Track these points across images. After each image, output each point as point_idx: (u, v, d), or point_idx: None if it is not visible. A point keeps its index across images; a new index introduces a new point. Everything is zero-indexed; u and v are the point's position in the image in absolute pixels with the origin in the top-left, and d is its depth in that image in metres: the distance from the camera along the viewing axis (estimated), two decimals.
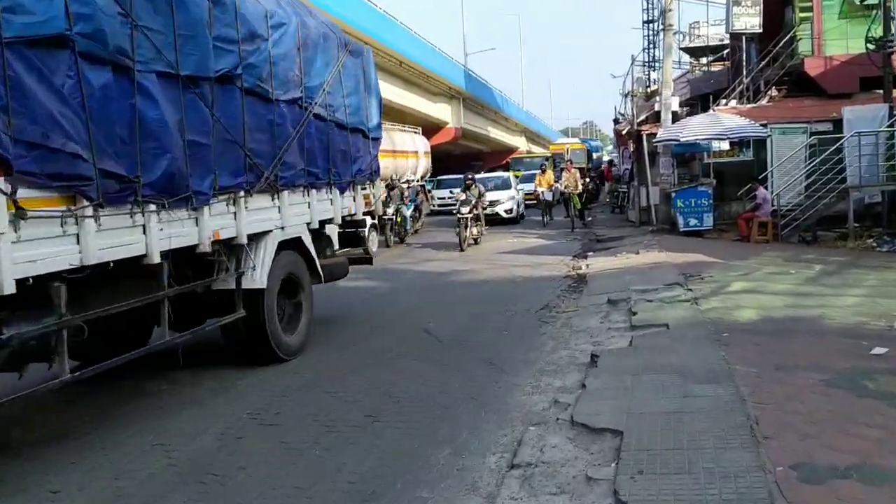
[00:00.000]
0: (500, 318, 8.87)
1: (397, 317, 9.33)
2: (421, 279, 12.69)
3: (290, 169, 7.20)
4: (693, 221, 15.78)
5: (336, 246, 8.95)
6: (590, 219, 23.30)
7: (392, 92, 36.52)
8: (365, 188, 9.43)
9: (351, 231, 9.50)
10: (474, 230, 17.41)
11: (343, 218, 8.69)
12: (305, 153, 7.47)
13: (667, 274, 10.51)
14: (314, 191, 7.81)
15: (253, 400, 6.01)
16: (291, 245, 7.43)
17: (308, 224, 7.74)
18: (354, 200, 9.01)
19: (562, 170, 24.01)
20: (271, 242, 6.96)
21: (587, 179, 32.08)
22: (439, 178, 35.55)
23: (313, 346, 7.71)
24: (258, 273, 6.76)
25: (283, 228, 7.18)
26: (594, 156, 48.64)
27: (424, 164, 27.86)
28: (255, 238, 6.77)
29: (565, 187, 21.35)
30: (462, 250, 16.20)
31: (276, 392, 6.21)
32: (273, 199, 7.03)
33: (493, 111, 53.23)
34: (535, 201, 25.63)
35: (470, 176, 19.07)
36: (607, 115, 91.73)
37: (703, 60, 34.99)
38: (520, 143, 65.18)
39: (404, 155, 25.69)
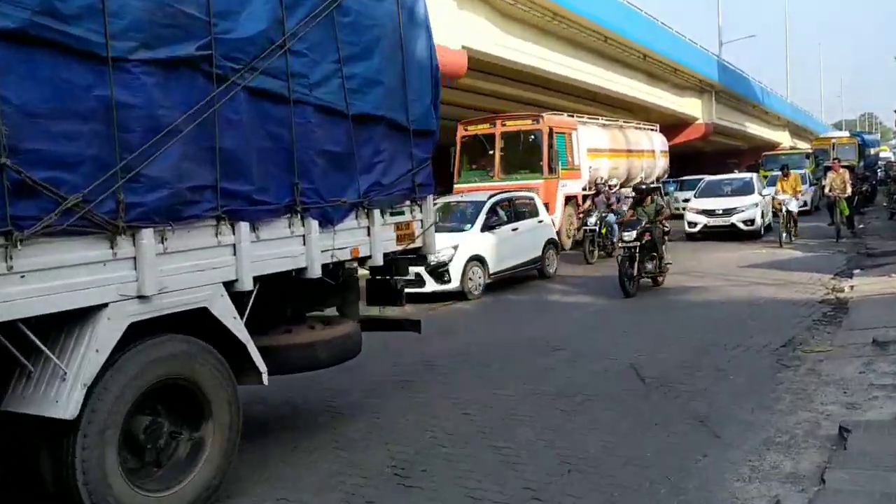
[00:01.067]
0: (727, 355, 7.22)
1: (602, 344, 8.01)
2: (638, 297, 11.17)
3: (155, 188, 3.87)
4: None
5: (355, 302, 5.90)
6: (860, 226, 19.92)
7: (634, 87, 34.58)
8: (402, 212, 5.90)
9: (381, 280, 6.26)
10: (649, 265, 11.42)
11: (341, 263, 5.34)
12: (215, 158, 4.21)
13: None
14: (243, 224, 4.42)
15: (397, 449, 5.11)
16: (183, 324, 4.10)
17: (234, 282, 4.39)
18: (370, 234, 5.48)
19: (826, 168, 20.78)
20: (105, 325, 3.64)
21: (860, 180, 27.93)
22: (683, 178, 32.88)
23: (487, 376, 6.71)
24: (64, 390, 3.49)
25: (141, 298, 3.82)
26: (870, 151, 42.34)
27: (662, 164, 25.27)
28: (62, 319, 3.57)
29: (830, 189, 18.25)
30: (629, 295, 10.84)
31: (425, 441, 5.26)
32: (111, 245, 3.70)
33: (751, 104, 48.80)
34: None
35: (645, 184, 14.90)
36: (890, 106, 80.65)
37: None
38: (782, 138, 59.36)
39: (638, 154, 23.36)
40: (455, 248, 11.54)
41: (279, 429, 5.71)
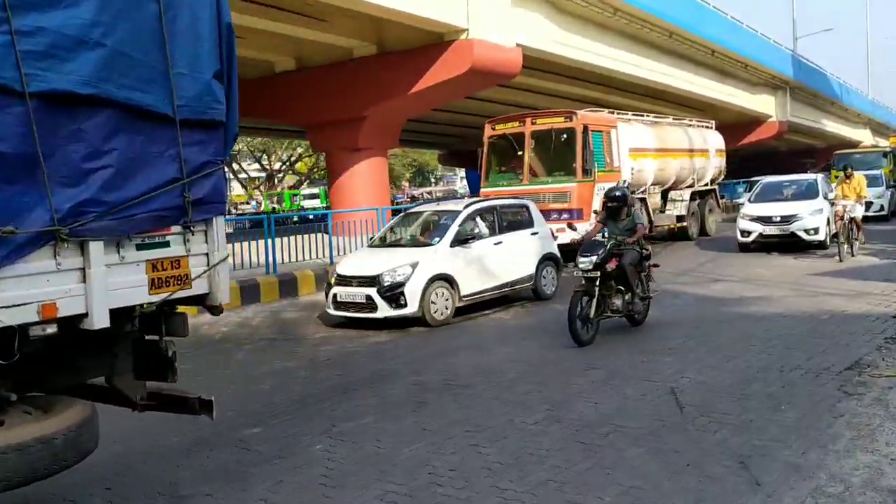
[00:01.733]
0: (782, 379, 6.42)
1: (644, 362, 7.30)
2: (693, 306, 10.35)
3: None
4: None
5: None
6: None
7: (702, 84, 33.27)
8: (163, 243, 3.98)
9: (148, 342, 4.24)
10: (616, 302, 8.56)
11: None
12: None
13: None
14: None
15: (389, 487, 4.55)
16: None
17: None
18: (85, 279, 3.57)
19: None
20: None
21: None
22: (754, 179, 31.14)
23: (511, 399, 6.11)
24: None
25: None
26: None
27: (717, 164, 22.97)
28: None
29: None
30: (582, 343, 8.07)
31: (423, 478, 4.69)
32: None
33: (829, 101, 46.63)
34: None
35: (619, 191, 9.35)
36: None
37: None
38: (863, 136, 56.61)
39: (689, 154, 21.04)
40: (414, 266, 9.95)
41: (272, 458, 5.24)
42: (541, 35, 21.77)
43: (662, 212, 20.11)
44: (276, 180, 58.67)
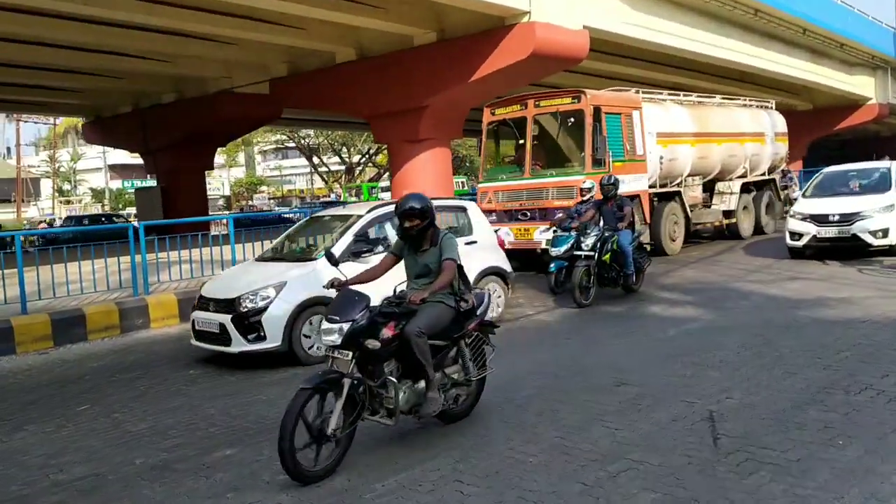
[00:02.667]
0: (845, 403, 5.36)
1: (686, 377, 6.33)
2: (763, 308, 9.22)
3: None
4: None
5: None
6: None
7: (792, 65, 31.15)
8: None
9: None
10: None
11: None
12: None
13: None
14: None
15: None
16: None
17: None
18: None
19: None
20: None
21: None
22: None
23: (522, 422, 5.28)
24: None
25: None
26: None
27: (775, 150, 19.78)
28: None
29: None
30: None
31: None
32: None
33: None
34: None
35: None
36: None
37: None
38: None
39: (739, 138, 18.10)
40: (279, 287, 7.72)
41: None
42: (610, 16, 20.54)
43: (708, 206, 17.64)
44: (355, 173, 58.85)
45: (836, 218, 12.68)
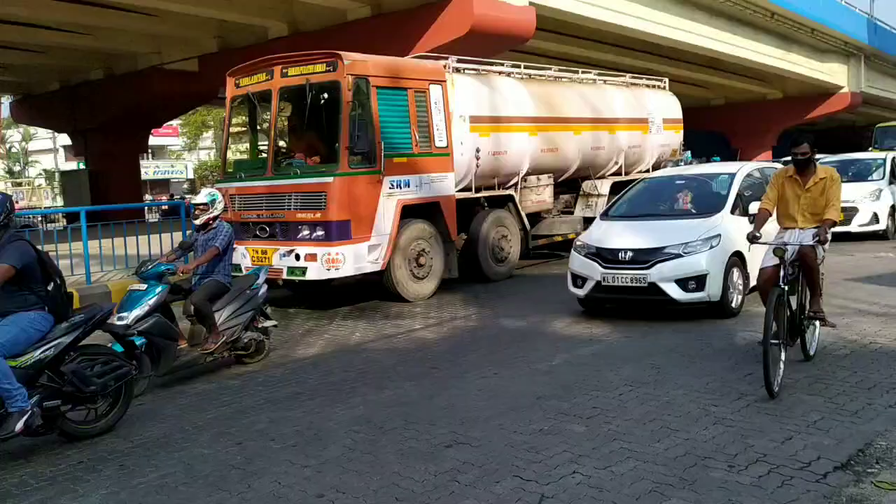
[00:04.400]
0: (720, 483, 4.01)
1: (547, 430, 4.95)
2: (676, 328, 7.86)
3: None
4: None
5: None
6: None
7: (761, 51, 29.87)
8: None
9: None
10: None
11: None
12: None
13: None
14: None
15: None
16: None
17: None
18: None
19: None
20: None
21: None
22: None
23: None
24: None
25: None
26: None
27: (665, 141, 15.88)
28: None
29: None
30: None
31: None
32: None
33: None
34: None
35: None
36: None
37: None
38: None
39: (609, 126, 14.13)
40: None
41: None
42: None
43: (569, 212, 13.79)
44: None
45: (629, 256, 8.08)
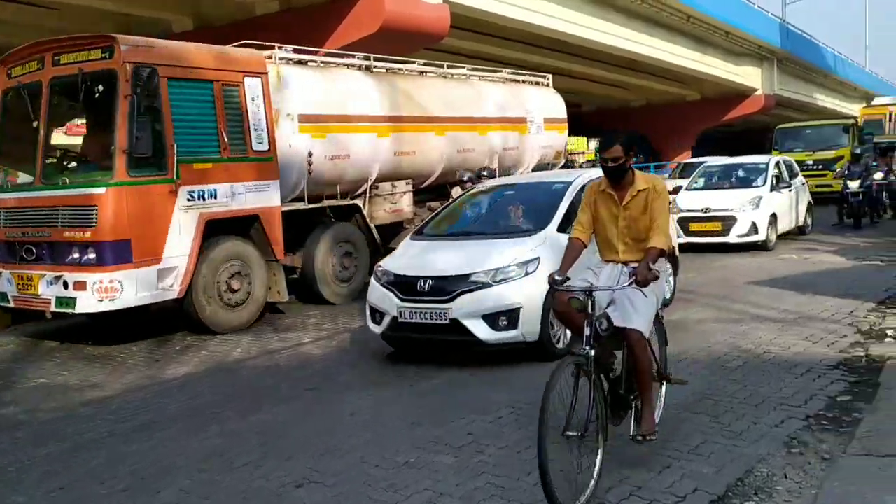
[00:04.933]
0: None
1: (414, 462, 4.52)
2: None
3: None
4: None
5: None
6: None
7: (678, 53, 30.20)
8: None
9: None
10: None
11: None
12: None
13: None
14: None
15: None
16: None
17: None
18: None
19: (884, 150, 16.05)
20: None
21: None
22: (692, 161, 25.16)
23: None
24: None
25: None
26: None
27: (541, 143, 14.49)
28: None
29: None
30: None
31: None
32: None
33: (822, 73, 43.60)
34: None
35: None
36: None
37: None
38: (859, 111, 53.47)
39: (470, 125, 12.68)
40: None
41: None
42: None
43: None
44: None
45: (428, 286, 6.54)
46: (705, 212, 13.40)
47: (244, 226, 8.99)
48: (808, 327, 7.31)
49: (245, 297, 8.85)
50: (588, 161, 46.64)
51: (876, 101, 34.54)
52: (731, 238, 13.18)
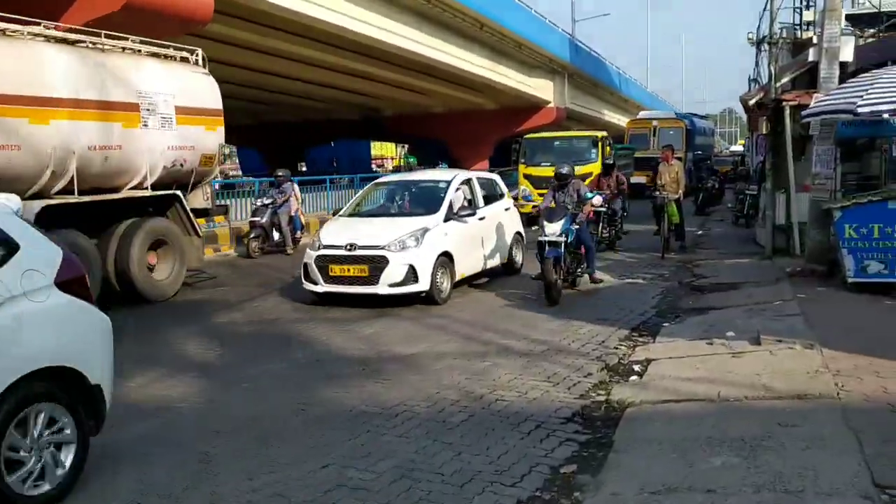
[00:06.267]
0: None
1: None
2: (290, 380, 6.20)
3: None
4: (877, 267, 8.39)
5: None
6: (700, 232, 16.10)
7: (473, 61, 29.96)
8: None
9: None
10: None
11: None
12: None
13: (833, 441, 3.79)
14: None
15: None
16: None
17: None
18: None
19: (607, 167, 15.76)
20: None
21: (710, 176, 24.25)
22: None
23: None
24: None
25: None
26: (703, 139, 34.39)
27: (177, 141, 10.66)
28: None
29: (662, 188, 13.81)
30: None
31: None
32: None
33: (609, 91, 45.67)
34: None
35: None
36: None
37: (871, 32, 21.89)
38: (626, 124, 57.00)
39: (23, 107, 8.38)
40: None
41: None
42: None
43: None
44: None
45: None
46: (349, 249, 9.21)
47: None
48: (554, 362, 6.44)
49: None
50: (396, 167, 45.85)
51: (641, 115, 34.51)
52: (381, 288, 9.07)
